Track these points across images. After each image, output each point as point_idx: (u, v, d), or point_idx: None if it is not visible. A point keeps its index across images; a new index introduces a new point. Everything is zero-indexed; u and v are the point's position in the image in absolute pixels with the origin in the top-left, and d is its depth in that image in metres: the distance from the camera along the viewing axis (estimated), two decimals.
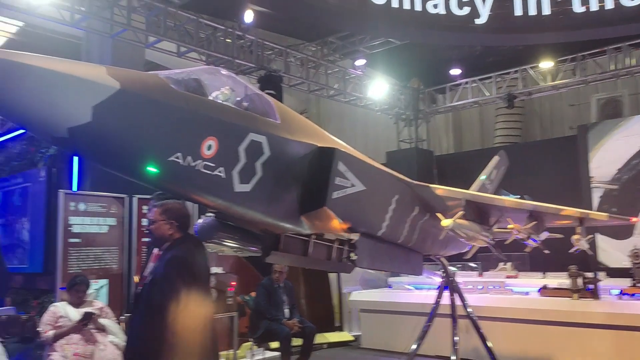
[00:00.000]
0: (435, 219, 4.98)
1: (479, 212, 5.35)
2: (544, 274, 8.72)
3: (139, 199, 7.71)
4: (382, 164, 5.23)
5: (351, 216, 3.97)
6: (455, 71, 12.07)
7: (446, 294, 6.53)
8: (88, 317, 5.34)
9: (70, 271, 6.95)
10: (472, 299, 6.82)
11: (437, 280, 6.64)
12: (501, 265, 9.15)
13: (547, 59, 11.03)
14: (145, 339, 3.31)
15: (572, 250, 5.54)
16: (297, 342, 7.19)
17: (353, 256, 4.34)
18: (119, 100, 2.68)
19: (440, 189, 5.17)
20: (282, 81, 10.24)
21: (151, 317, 3.29)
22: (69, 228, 7.18)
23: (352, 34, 10.53)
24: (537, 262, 8.73)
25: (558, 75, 11.30)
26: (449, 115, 14.32)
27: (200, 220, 3.93)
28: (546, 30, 9.35)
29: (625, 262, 7.74)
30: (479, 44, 10.62)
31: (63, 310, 5.49)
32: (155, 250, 3.71)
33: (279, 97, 9.34)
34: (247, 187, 3.32)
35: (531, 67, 11.43)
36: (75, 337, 5.30)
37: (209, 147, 3.07)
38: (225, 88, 3.36)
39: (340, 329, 10.25)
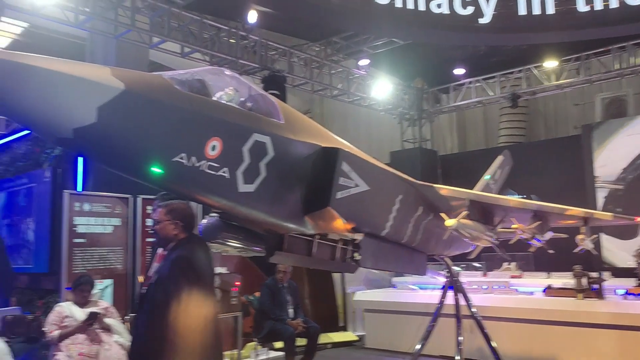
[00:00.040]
0: (439, 219, 4.97)
1: (483, 212, 5.34)
2: (548, 273, 8.69)
3: (143, 199, 7.74)
4: (385, 164, 5.21)
5: (355, 216, 3.97)
6: (459, 71, 12.05)
7: (450, 293, 6.52)
8: (93, 317, 5.36)
9: (75, 271, 6.97)
10: (476, 299, 6.80)
11: (441, 280, 6.63)
12: (505, 265, 9.13)
13: (551, 58, 11.00)
14: (150, 339, 3.32)
15: (576, 250, 5.53)
16: (301, 342, 7.19)
17: (357, 256, 4.34)
18: (123, 101, 2.68)
19: (444, 189, 5.17)
20: (285, 81, 10.24)
21: (156, 317, 3.30)
22: (74, 228, 7.21)
23: (355, 33, 10.52)
24: (541, 262, 8.71)
25: (562, 75, 11.27)
26: (453, 115, 14.31)
27: (204, 221, 3.94)
28: (550, 29, 9.34)
29: (630, 262, 7.72)
30: (482, 44, 10.61)
31: (68, 310, 5.51)
32: (160, 251, 3.72)
33: (282, 97, 9.35)
34: (251, 188, 3.32)
35: (535, 67, 11.40)
36: (81, 337, 5.33)
37: (213, 148, 3.07)
38: (229, 88, 3.36)
39: (344, 329, 10.26)
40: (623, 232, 9.63)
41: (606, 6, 8.97)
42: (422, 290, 9.06)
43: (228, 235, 3.95)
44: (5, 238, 8.95)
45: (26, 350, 6.23)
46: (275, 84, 9.69)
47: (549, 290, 7.85)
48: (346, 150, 3.94)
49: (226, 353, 7.30)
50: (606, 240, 9.86)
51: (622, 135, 10.22)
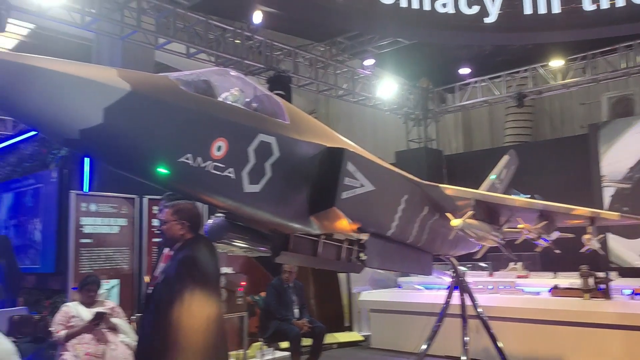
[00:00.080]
0: (445, 218, 4.97)
1: (488, 212, 5.32)
2: (555, 273, 8.65)
3: (149, 199, 7.76)
4: (391, 163, 5.22)
5: (360, 216, 3.97)
6: (465, 70, 12.04)
7: (456, 294, 6.50)
8: (100, 317, 5.37)
9: (82, 271, 7.00)
10: (482, 299, 6.79)
11: (447, 280, 6.62)
12: (512, 265, 9.10)
13: (557, 57, 10.97)
14: (157, 339, 3.33)
15: (583, 250, 5.49)
16: (306, 342, 7.19)
17: (362, 256, 4.34)
18: (129, 102, 2.69)
19: (449, 189, 5.15)
20: (291, 81, 10.26)
21: (162, 317, 3.31)
22: (81, 228, 7.25)
23: (360, 33, 10.53)
24: (548, 261, 8.68)
25: (568, 74, 11.23)
26: (459, 114, 14.29)
27: (210, 221, 3.95)
28: (556, 28, 9.30)
29: (638, 262, 7.71)
30: (488, 43, 10.59)
31: (75, 310, 5.53)
32: (166, 251, 3.72)
33: (288, 97, 9.36)
34: (256, 188, 3.33)
35: (541, 66, 11.37)
36: (87, 336, 5.34)
37: (219, 148, 3.08)
38: (234, 89, 3.36)
39: (349, 329, 10.25)
40: (630, 232, 9.58)
41: (612, 5, 8.93)
42: (428, 290, 9.05)
43: (234, 236, 3.95)
44: (12, 238, 9.01)
45: (33, 350, 6.27)
46: (280, 84, 9.70)
47: (555, 291, 7.81)
48: (351, 150, 3.94)
49: (232, 353, 7.31)
50: (613, 240, 9.81)
51: (628, 134, 10.18)
